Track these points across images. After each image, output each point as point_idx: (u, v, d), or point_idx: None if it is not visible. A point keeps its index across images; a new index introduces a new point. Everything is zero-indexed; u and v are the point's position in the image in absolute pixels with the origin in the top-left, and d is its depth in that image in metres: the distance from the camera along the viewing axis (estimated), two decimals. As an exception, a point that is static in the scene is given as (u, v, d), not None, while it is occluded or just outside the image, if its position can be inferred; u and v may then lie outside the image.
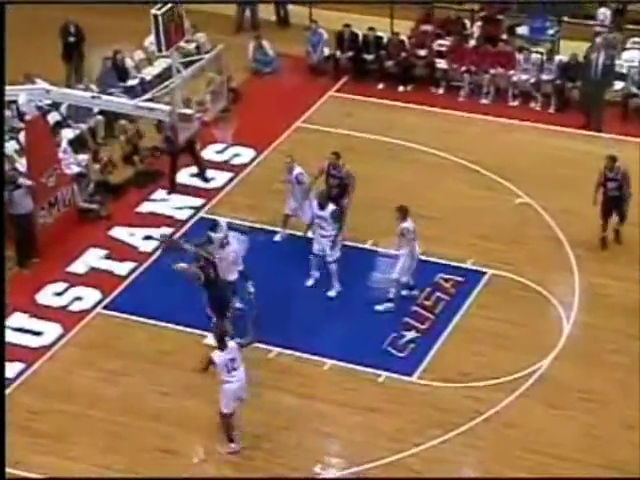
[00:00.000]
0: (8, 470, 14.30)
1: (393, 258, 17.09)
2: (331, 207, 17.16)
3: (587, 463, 14.52)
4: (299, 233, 18.62)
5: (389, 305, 17.07)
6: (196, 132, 19.35)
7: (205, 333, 16.49)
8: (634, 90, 22.17)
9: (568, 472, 14.38)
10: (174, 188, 20.24)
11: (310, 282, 17.69)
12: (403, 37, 23.82)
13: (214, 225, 16.79)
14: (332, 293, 17.46)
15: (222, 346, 14.29)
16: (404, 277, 17.01)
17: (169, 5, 17.24)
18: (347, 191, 18.11)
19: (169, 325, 17.02)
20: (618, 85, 22.12)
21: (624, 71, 22.46)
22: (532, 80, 22.68)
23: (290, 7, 26.01)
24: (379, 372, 16.10)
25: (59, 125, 21.01)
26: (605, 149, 19.35)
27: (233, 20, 25.93)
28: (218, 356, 14.27)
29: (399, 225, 16.73)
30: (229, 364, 14.29)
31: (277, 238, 18.79)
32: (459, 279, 17.62)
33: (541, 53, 22.90)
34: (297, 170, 18.29)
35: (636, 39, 23.20)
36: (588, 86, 21.88)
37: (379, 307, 17.09)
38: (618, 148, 19.78)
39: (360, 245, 18.48)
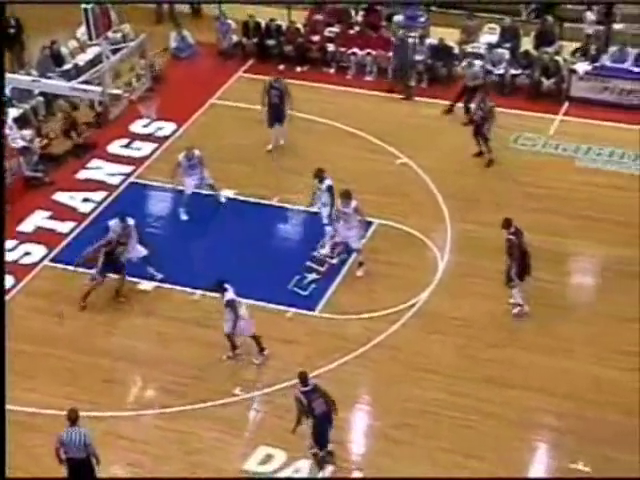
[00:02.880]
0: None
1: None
2: None
3: (458, 377, 14.86)
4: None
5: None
6: None
7: (138, 280, 16.70)
8: (488, 67, 22.48)
9: (440, 384, 14.70)
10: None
11: None
12: (299, 25, 23.85)
13: (123, 217, 16.63)
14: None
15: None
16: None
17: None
18: (285, 99, 19.38)
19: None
20: (478, 64, 22.32)
21: (482, 52, 22.77)
22: (407, 60, 22.76)
23: (201, -1, 25.83)
24: (287, 309, 16.30)
25: (4, 105, 20.59)
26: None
27: (153, 12, 25.64)
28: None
29: (350, 205, 16.49)
30: None
31: (222, 199, 18.65)
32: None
33: (414, 37, 23.08)
34: (197, 152, 18.15)
35: (491, 25, 23.56)
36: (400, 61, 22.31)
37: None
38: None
39: (268, 202, 18.65)
